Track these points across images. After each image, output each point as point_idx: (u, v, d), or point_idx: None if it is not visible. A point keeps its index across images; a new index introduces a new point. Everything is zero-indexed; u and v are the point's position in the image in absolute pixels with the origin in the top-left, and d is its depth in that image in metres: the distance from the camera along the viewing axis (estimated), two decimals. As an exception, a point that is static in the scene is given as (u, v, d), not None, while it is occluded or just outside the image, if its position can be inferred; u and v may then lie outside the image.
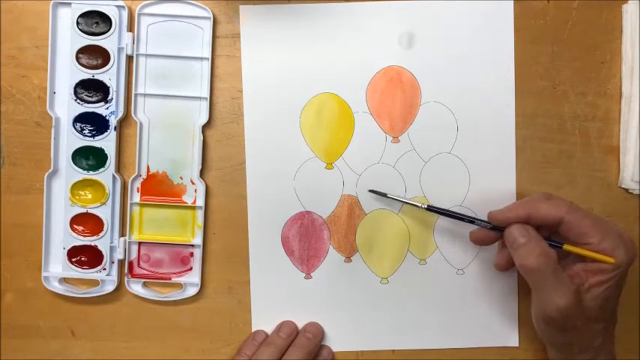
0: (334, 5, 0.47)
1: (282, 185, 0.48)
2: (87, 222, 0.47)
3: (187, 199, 0.48)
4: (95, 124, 0.47)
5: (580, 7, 0.48)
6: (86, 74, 0.46)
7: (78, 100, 0.46)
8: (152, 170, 0.47)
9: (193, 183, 0.48)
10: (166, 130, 0.47)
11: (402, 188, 0.48)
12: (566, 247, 0.42)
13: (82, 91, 0.46)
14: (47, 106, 0.46)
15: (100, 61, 0.46)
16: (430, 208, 0.46)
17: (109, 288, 0.48)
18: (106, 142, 0.47)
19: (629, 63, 0.47)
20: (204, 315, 0.49)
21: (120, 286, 0.48)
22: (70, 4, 0.46)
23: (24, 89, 0.47)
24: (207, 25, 0.46)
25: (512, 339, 0.49)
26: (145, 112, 0.47)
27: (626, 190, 0.48)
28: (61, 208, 0.47)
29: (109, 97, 0.46)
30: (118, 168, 0.48)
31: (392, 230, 0.49)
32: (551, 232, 0.43)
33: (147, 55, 0.47)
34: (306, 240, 0.48)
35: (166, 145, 0.47)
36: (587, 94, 0.48)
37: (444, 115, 0.48)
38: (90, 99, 0.46)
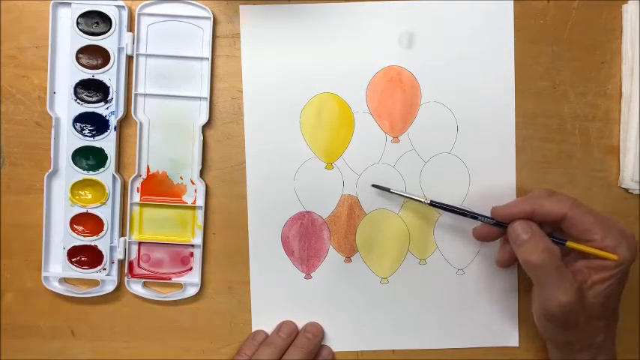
0: (334, 5, 0.47)
1: (282, 185, 0.48)
2: (87, 222, 0.47)
3: (187, 199, 0.48)
4: (95, 124, 0.47)
5: (580, 7, 0.48)
6: (86, 74, 0.46)
7: (78, 100, 0.46)
8: (152, 170, 0.47)
9: (193, 183, 0.48)
10: (166, 130, 0.47)
11: (402, 188, 0.48)
12: (569, 244, 0.42)
13: (82, 91, 0.46)
14: (47, 106, 0.46)
15: (100, 61, 0.46)
16: (433, 204, 0.46)
17: (109, 288, 0.48)
18: (106, 142, 0.47)
19: (629, 63, 0.47)
20: (204, 315, 0.49)
21: (120, 286, 0.48)
22: (70, 4, 0.46)
23: (24, 89, 0.47)
24: (207, 25, 0.46)
25: (512, 339, 0.49)
26: (145, 112, 0.47)
27: (626, 190, 0.49)
28: (61, 208, 0.47)
29: (109, 97, 0.46)
30: (118, 168, 0.48)
31: (392, 230, 0.49)
32: (553, 229, 0.43)
33: (147, 55, 0.47)
34: (306, 240, 0.48)
35: (166, 145, 0.47)
36: (587, 94, 0.48)
37: (444, 115, 0.48)
38: (90, 99, 0.46)
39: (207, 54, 0.46)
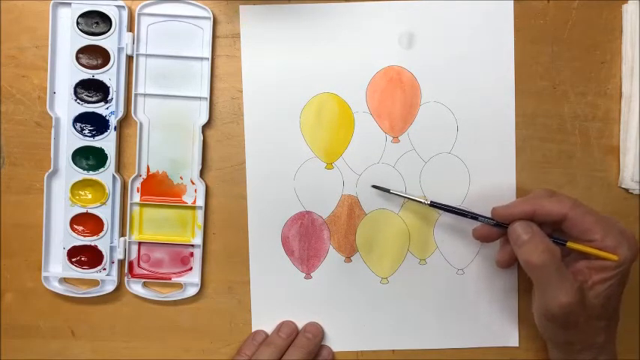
0: (334, 5, 0.47)
1: (282, 185, 0.48)
2: (87, 222, 0.47)
3: (187, 199, 0.48)
4: (95, 124, 0.47)
5: (580, 7, 0.48)
6: (86, 74, 0.46)
7: (78, 100, 0.46)
8: (152, 170, 0.47)
9: (193, 183, 0.48)
10: (166, 130, 0.47)
11: (402, 188, 0.48)
12: (569, 244, 0.42)
13: (82, 91, 0.46)
14: (47, 106, 0.46)
15: (100, 61, 0.46)
16: (433, 204, 0.46)
17: (109, 288, 0.48)
18: (106, 142, 0.47)
19: (629, 63, 0.47)
20: (204, 315, 0.49)
21: (120, 286, 0.48)
22: (70, 4, 0.46)
23: (24, 89, 0.47)
24: (207, 25, 0.46)
25: (512, 339, 0.49)
26: (145, 112, 0.47)
27: (626, 190, 0.49)
28: (61, 208, 0.47)
29: (109, 97, 0.46)
30: (118, 168, 0.48)
31: (392, 230, 0.49)
32: (553, 229, 0.43)
33: (147, 55, 0.47)
34: (306, 240, 0.48)
35: (166, 145, 0.47)
36: (587, 94, 0.48)
37: (444, 115, 0.48)
38: (90, 99, 0.46)
39: (207, 54, 0.46)
